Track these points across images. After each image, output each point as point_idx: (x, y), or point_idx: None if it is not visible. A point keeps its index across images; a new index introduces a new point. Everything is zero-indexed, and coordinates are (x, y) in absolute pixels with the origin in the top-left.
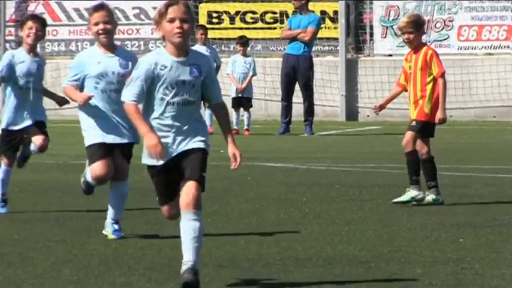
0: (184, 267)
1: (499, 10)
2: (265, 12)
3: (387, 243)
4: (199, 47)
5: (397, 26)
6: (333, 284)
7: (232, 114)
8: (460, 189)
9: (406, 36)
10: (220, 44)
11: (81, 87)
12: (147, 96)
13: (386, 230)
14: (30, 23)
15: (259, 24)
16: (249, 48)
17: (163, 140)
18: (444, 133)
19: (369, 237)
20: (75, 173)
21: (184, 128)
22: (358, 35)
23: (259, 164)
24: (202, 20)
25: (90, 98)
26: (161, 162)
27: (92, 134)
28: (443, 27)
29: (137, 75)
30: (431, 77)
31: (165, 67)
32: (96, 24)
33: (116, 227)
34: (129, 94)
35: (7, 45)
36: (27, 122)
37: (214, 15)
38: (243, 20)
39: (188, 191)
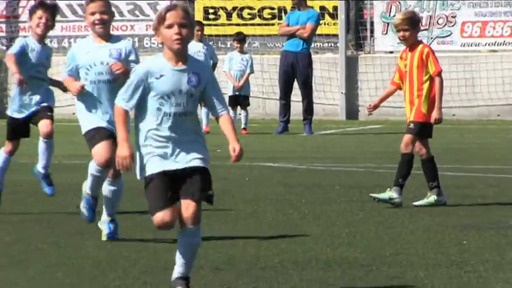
0: (175, 276)
1: (503, 6)
2: (263, 8)
3: (389, 246)
4: (195, 44)
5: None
6: (333, 287)
7: (230, 113)
8: (463, 190)
9: (401, 33)
10: (217, 40)
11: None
12: (143, 106)
13: (387, 231)
14: (39, 12)
15: (257, 21)
16: (246, 45)
17: (161, 150)
18: (447, 132)
19: (370, 239)
20: (69, 173)
21: (183, 139)
22: (358, 31)
23: (257, 164)
24: (198, 16)
25: (82, 87)
26: (158, 170)
27: (88, 120)
28: (445, 24)
29: (131, 81)
30: (428, 75)
31: (161, 76)
32: (93, 14)
33: (112, 227)
34: (120, 96)
35: None
36: (32, 109)
37: (211, 11)
38: (240, 16)
39: (188, 207)
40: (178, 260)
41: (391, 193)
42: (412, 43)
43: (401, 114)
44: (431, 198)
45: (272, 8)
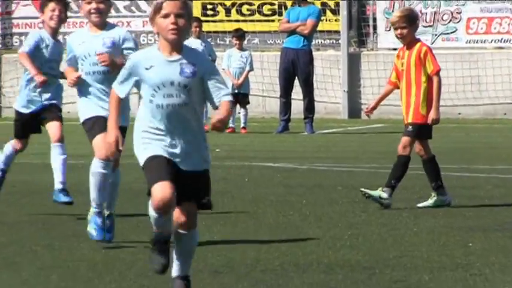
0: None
1: (509, 1)
2: (263, 4)
3: (392, 248)
4: (193, 41)
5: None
6: None
7: None
8: (469, 191)
9: (398, 31)
10: (216, 37)
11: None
12: (141, 96)
13: (391, 233)
14: (52, 5)
15: (257, 17)
16: (245, 42)
17: (158, 142)
18: (452, 131)
19: (373, 241)
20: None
21: (181, 133)
22: (360, 27)
23: (257, 164)
24: (197, 12)
25: (78, 78)
26: (159, 153)
27: (86, 108)
28: (450, 20)
29: (125, 68)
30: (426, 75)
31: (151, 66)
32: (89, 3)
33: (99, 221)
34: (116, 80)
35: None
36: (39, 105)
37: (209, 6)
38: (239, 12)
39: (183, 213)
40: (176, 259)
41: (382, 193)
42: (409, 41)
43: None
44: (435, 198)
45: (272, 4)
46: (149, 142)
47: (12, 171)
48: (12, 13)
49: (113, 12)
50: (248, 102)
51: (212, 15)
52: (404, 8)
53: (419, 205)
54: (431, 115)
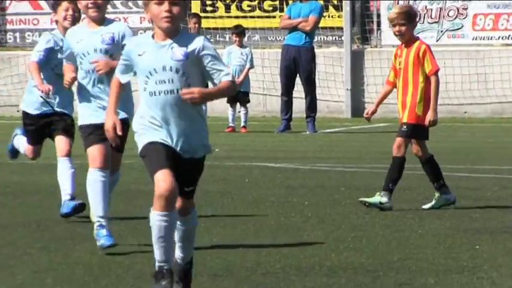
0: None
1: None
2: (263, 0)
3: (397, 250)
4: None
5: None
6: None
7: (228, 110)
8: (475, 192)
9: (397, 28)
10: (215, 34)
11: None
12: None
13: (395, 236)
14: (65, 4)
15: (257, 13)
16: (245, 39)
17: (156, 132)
18: (458, 131)
19: (377, 243)
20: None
21: (177, 121)
22: (364, 24)
23: (258, 165)
24: (196, 8)
25: (73, 79)
26: (157, 139)
27: (83, 112)
28: (456, 16)
29: (121, 56)
30: (424, 74)
31: (144, 52)
32: None
33: (104, 232)
34: (116, 70)
35: None
36: (49, 108)
37: (209, 2)
38: (239, 8)
39: (182, 195)
40: (178, 241)
41: (381, 198)
42: (408, 39)
43: None
44: (440, 198)
45: (273, 0)
46: (146, 129)
47: (6, 172)
48: (6, 9)
49: (109, 8)
50: (248, 101)
51: (211, 11)
52: (403, 4)
53: (424, 207)
54: (429, 116)
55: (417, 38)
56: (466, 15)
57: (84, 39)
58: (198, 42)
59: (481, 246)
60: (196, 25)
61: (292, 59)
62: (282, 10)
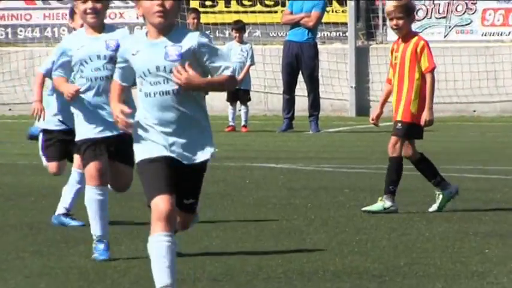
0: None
1: None
2: None
3: (403, 255)
4: None
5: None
6: None
7: (228, 108)
8: (485, 194)
9: (394, 22)
10: (215, 29)
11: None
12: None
13: (402, 239)
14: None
15: (258, 8)
16: (246, 35)
17: (154, 137)
18: (467, 130)
19: (383, 247)
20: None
21: (176, 125)
22: (369, 19)
23: (259, 165)
24: (194, 2)
25: (77, 91)
26: (156, 155)
27: (81, 126)
28: (465, 11)
29: (118, 59)
30: (420, 71)
31: (137, 51)
32: (85, 1)
33: (101, 246)
34: (114, 75)
35: None
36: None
37: None
38: (239, 3)
39: (182, 208)
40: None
41: (384, 202)
42: (406, 33)
43: None
44: (443, 196)
45: None
46: (144, 137)
47: None
48: None
49: None
50: (249, 99)
51: (211, 6)
52: None
53: (431, 210)
54: (424, 116)
55: (416, 33)
56: (475, 10)
57: (85, 45)
58: (193, 40)
59: (490, 250)
60: (195, 20)
61: (294, 56)
62: (283, 5)
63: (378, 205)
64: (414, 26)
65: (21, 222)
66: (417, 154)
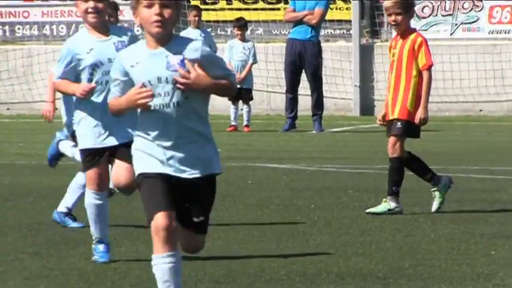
0: None
1: None
2: None
3: (408, 256)
4: (192, 31)
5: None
6: None
7: (230, 108)
8: (492, 195)
9: (393, 18)
10: (216, 27)
11: (75, 80)
12: None
13: (406, 240)
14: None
15: (260, 5)
16: (248, 32)
17: (154, 155)
18: (473, 130)
19: (387, 249)
20: (51, 176)
21: (177, 140)
22: (374, 16)
23: (261, 165)
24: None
25: (92, 89)
26: (153, 170)
27: (84, 135)
28: (471, 8)
29: (112, 76)
30: (418, 68)
31: (137, 63)
32: (86, 0)
33: (101, 247)
34: (112, 91)
35: None
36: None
37: None
38: (241, 0)
39: (187, 237)
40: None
41: (388, 204)
42: (404, 30)
43: None
44: (439, 191)
45: None
46: (142, 151)
47: None
48: None
49: None
50: (251, 98)
51: (212, 3)
52: None
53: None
54: (419, 114)
55: (414, 30)
56: (482, 7)
57: (95, 48)
58: (196, 52)
59: (497, 252)
60: (197, 18)
61: (297, 54)
62: (286, 2)
63: (382, 206)
64: (420, 24)
65: (20, 223)
66: (405, 153)
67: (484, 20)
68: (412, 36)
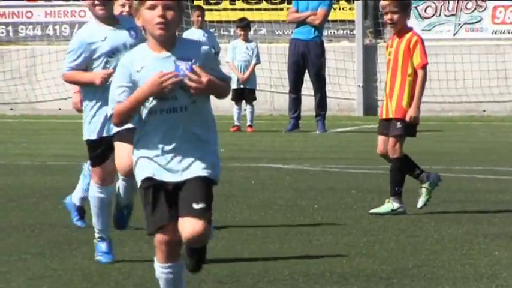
0: None
1: None
2: None
3: (411, 257)
4: (195, 31)
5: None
6: None
7: (233, 108)
8: (495, 195)
9: (389, 16)
10: (219, 27)
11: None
12: None
13: (410, 241)
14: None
15: (264, 5)
16: (251, 32)
17: (155, 159)
18: (476, 130)
19: (391, 249)
20: (54, 176)
21: (180, 144)
22: (377, 17)
23: (264, 166)
24: (199, 0)
25: (110, 74)
26: (156, 177)
27: (92, 124)
28: (475, 8)
29: (116, 84)
30: (413, 67)
31: (142, 67)
32: None
33: (103, 247)
34: (115, 98)
35: None
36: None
37: None
38: (244, 0)
39: (186, 224)
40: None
41: (392, 205)
42: (400, 28)
43: (424, 110)
44: (426, 187)
45: None
46: (143, 156)
47: None
48: None
49: None
50: (255, 99)
51: (215, 4)
52: None
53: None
54: (410, 112)
55: (410, 29)
56: (485, 8)
57: (109, 36)
58: (200, 52)
59: (500, 253)
60: (200, 18)
61: (300, 54)
62: (289, 2)
63: (386, 207)
64: (423, 24)
65: (23, 224)
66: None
67: (488, 20)
68: (408, 35)
